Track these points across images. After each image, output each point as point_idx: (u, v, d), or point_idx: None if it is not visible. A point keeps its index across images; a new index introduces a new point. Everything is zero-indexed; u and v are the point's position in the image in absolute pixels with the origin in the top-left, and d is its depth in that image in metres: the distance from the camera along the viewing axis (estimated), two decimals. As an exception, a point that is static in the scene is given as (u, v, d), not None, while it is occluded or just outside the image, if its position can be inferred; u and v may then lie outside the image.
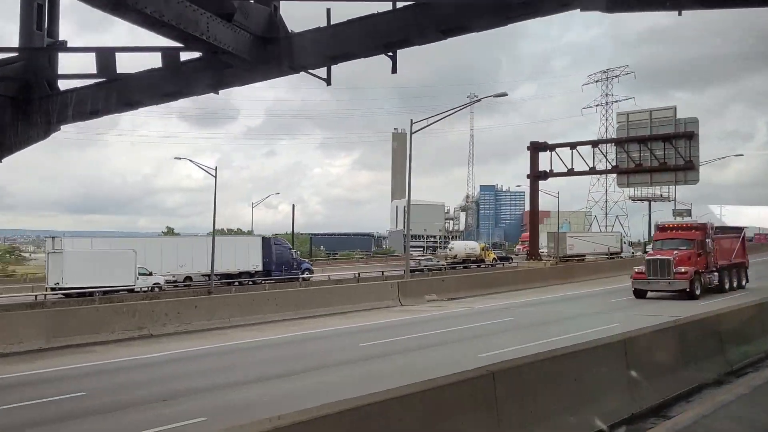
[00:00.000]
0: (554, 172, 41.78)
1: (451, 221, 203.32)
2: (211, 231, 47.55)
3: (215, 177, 42.49)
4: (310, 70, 13.08)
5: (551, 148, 41.69)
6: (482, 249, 71.24)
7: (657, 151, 38.46)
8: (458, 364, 10.92)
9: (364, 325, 23.54)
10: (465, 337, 20.16)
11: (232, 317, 23.62)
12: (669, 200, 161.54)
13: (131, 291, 40.76)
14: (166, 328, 21.70)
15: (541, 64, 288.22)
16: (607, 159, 40.27)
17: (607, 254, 62.99)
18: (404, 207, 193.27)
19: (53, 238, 47.02)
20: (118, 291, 40.04)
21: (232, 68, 12.94)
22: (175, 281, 47.14)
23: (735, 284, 33.24)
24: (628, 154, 39.50)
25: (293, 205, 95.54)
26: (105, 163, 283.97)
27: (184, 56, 12.84)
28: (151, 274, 43.61)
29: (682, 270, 29.56)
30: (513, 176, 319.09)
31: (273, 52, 12.48)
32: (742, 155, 58.91)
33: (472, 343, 18.60)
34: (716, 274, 31.59)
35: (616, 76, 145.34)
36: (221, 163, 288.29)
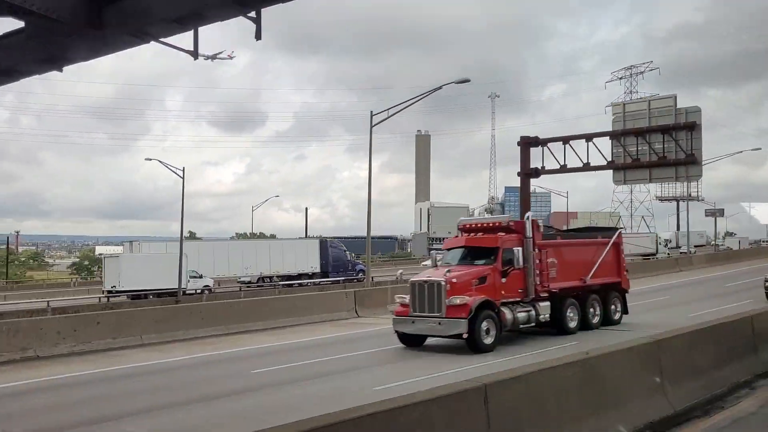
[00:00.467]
0: (546, 169, 38.16)
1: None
2: (247, 233, 46.40)
3: (183, 178, 39.83)
4: (164, 39, 10.10)
5: (543, 143, 38.02)
6: None
7: (656, 144, 34.69)
8: (342, 399, 9.35)
9: (292, 342, 20.48)
10: (388, 361, 17.04)
11: (146, 334, 20.75)
12: (698, 200, 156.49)
13: (183, 293, 40.94)
14: (57, 348, 18.89)
15: (569, 64, 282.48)
16: (601, 154, 36.59)
17: (642, 255, 62.27)
18: (427, 209, 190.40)
19: (131, 242, 48.67)
20: (169, 293, 40.33)
21: (66, 39, 9.96)
22: (249, 281, 48.69)
23: (596, 319, 20.73)
24: (625, 148, 35.70)
25: (306, 209, 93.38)
26: (137, 169, 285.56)
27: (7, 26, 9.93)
28: (201, 276, 44.08)
29: (457, 302, 17.20)
30: (542, 177, 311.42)
31: (111, 16, 9.39)
32: (760, 149, 54.62)
33: (384, 371, 15.48)
34: (546, 304, 19.36)
35: (641, 73, 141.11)
36: (251, 167, 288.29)
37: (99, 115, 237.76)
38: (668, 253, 73.73)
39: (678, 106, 34.63)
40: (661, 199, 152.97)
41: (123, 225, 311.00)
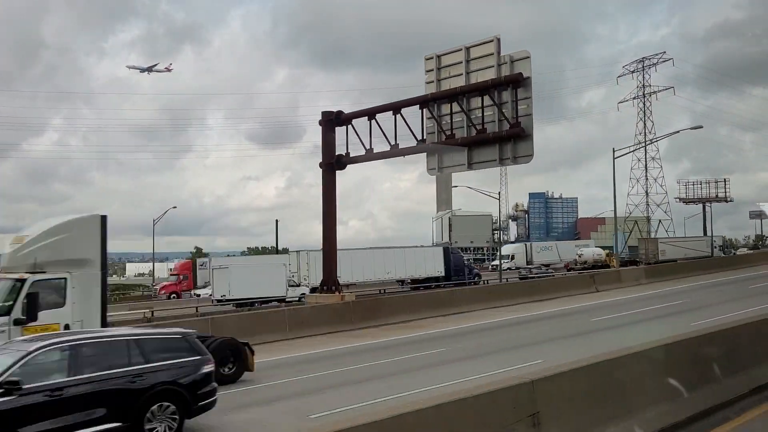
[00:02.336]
0: (352, 156, 26.56)
1: (501, 231, 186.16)
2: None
3: None
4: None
5: (346, 119, 26.47)
6: (607, 255, 74.34)
7: (476, 112, 22.87)
8: None
9: None
10: None
11: None
12: (726, 201, 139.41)
13: (282, 301, 42.43)
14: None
15: (609, 68, 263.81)
16: (412, 132, 24.71)
17: (698, 258, 62.21)
18: (448, 218, 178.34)
19: (298, 252, 51.63)
20: (270, 301, 42.10)
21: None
22: (403, 282, 53.52)
23: None
24: (438, 120, 23.88)
25: (276, 221, 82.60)
26: (182, 186, 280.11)
27: None
28: (298, 285, 46.23)
29: None
30: (585, 183, 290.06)
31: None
32: (701, 127, 41.92)
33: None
34: None
35: (654, 65, 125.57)
36: (291, 181, 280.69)
37: (143, 134, 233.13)
38: (727, 252, 76.10)
39: (502, 53, 22.46)
40: (686, 200, 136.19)
41: (169, 241, 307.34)
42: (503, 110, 21.83)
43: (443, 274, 54.78)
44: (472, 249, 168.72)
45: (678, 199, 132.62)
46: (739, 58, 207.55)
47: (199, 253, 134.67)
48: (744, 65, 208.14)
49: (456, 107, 23.18)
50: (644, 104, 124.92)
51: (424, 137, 24.14)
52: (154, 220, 64.98)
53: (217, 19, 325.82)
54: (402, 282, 53.63)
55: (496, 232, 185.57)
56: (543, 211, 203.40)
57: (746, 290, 31.58)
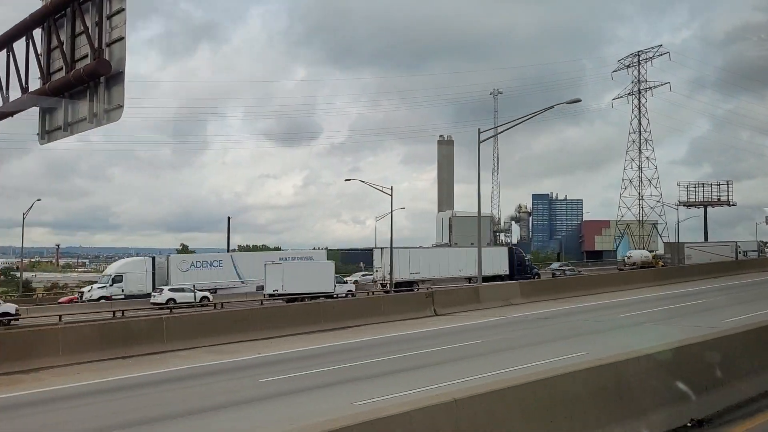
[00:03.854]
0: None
1: (503, 233, 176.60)
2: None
3: None
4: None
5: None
6: (653, 257, 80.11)
7: (74, 41, 14.00)
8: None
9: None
10: None
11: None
12: (729, 204, 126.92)
13: (330, 297, 42.18)
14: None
15: (629, 69, 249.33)
16: (18, 75, 15.92)
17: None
18: (449, 219, 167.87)
19: (382, 249, 52.77)
20: (318, 297, 41.42)
21: None
22: (470, 280, 54.39)
23: None
24: (39, 57, 14.98)
25: (228, 218, 75.92)
26: (200, 183, 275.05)
27: None
28: (345, 282, 48.28)
29: None
30: (601, 186, 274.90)
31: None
32: (579, 100, 33.35)
33: None
34: None
35: (650, 59, 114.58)
36: (308, 179, 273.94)
37: (162, 130, 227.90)
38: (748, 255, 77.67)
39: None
40: (687, 204, 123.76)
41: (187, 237, 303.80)
42: (91, 35, 12.74)
43: (507, 272, 58.05)
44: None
45: (679, 203, 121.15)
46: (760, 61, 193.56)
47: (184, 250, 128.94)
48: (765, 68, 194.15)
49: (56, 36, 14.18)
50: (639, 100, 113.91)
51: (27, 84, 15.11)
52: (23, 214, 57.17)
53: (235, 17, 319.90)
54: (469, 279, 55.67)
55: (499, 233, 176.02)
56: (546, 213, 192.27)
57: (616, 320, 22.15)
